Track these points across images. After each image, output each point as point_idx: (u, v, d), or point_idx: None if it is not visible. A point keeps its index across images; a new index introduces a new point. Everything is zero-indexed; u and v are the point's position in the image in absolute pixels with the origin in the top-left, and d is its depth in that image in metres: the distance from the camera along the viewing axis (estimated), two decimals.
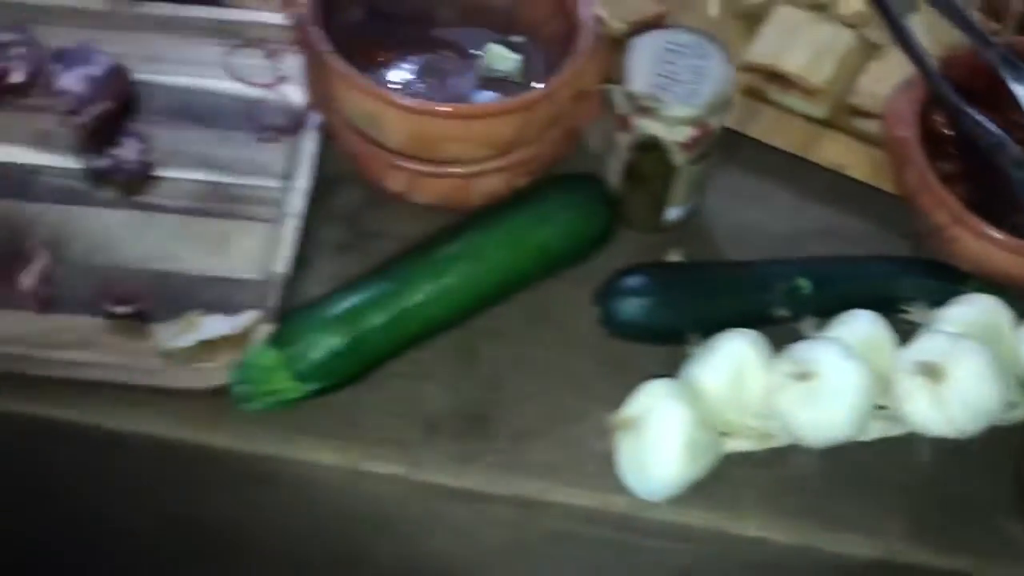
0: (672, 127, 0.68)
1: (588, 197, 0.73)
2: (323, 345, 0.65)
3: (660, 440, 0.63)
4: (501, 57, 0.76)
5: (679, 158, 0.70)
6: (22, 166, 0.75)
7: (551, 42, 0.74)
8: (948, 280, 0.72)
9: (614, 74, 0.70)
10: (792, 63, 0.81)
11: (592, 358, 0.71)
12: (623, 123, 0.69)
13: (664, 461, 0.63)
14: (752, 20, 0.85)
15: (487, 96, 0.74)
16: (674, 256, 0.75)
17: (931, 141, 0.74)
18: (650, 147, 0.69)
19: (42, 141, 0.76)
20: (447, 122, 0.68)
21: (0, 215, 0.73)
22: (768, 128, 0.81)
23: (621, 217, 0.76)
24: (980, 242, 0.69)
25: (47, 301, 0.69)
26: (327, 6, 0.70)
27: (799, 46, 0.81)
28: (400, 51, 0.76)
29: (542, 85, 0.70)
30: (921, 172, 0.71)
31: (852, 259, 0.75)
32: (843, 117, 0.82)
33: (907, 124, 0.73)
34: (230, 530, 0.75)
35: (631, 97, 0.68)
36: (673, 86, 0.68)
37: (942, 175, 0.72)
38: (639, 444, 0.64)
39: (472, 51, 0.76)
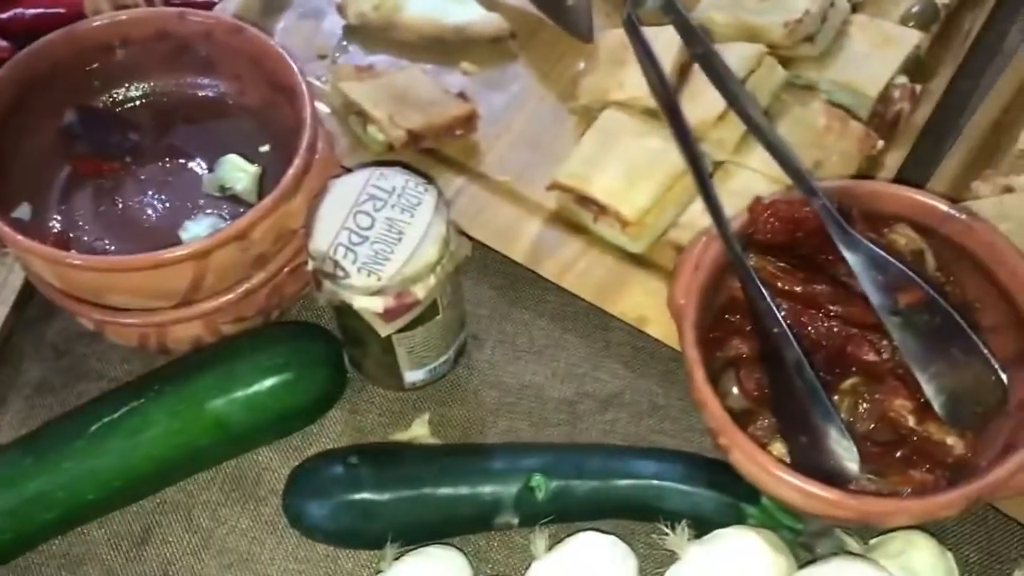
0: (360, 295, 0.55)
1: (300, 355, 0.60)
2: None
3: None
4: (235, 170, 0.63)
5: (381, 328, 0.56)
6: None
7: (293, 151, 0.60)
8: (731, 495, 0.56)
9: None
10: (601, 185, 0.65)
11: (288, 555, 0.59)
12: (316, 281, 0.57)
13: None
14: (590, 121, 0.69)
15: (202, 223, 0.62)
16: (419, 426, 0.62)
17: (735, 309, 0.58)
18: (348, 312, 0.56)
19: None
20: (95, 275, 0.56)
21: None
22: (563, 267, 0.66)
23: (364, 372, 0.63)
24: (752, 465, 0.53)
25: None
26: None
27: (614, 163, 0.65)
28: (131, 161, 0.65)
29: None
30: (688, 358, 0.55)
31: (620, 450, 0.60)
32: (663, 254, 0.66)
33: (689, 288, 0.56)
34: None
35: (311, 256, 0.55)
36: (361, 246, 0.54)
37: (738, 354, 0.56)
38: None
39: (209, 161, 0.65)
